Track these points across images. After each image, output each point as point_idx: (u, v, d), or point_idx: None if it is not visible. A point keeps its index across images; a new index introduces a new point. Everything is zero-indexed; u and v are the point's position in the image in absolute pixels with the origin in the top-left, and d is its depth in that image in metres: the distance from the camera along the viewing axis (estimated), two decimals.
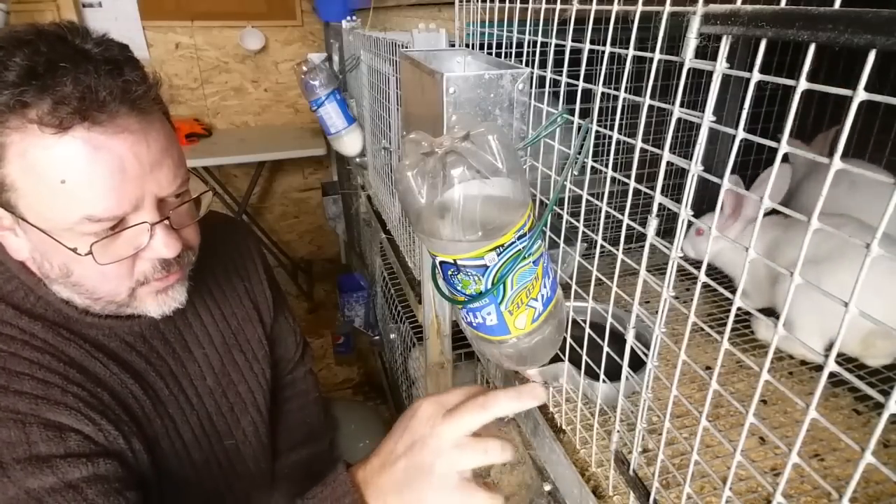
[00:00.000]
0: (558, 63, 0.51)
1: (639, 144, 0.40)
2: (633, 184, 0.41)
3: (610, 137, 0.43)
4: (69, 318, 0.61)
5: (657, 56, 0.36)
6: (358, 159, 1.49)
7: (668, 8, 0.34)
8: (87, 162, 0.51)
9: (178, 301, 0.64)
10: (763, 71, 0.29)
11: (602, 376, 0.50)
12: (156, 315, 0.63)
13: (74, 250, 0.54)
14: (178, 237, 0.59)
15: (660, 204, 0.38)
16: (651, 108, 0.38)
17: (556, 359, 0.57)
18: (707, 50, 0.33)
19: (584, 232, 0.50)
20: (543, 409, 0.65)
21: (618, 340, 0.47)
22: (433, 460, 0.49)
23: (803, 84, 0.27)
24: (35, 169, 0.51)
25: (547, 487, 0.66)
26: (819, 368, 0.59)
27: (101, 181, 0.52)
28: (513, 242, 0.46)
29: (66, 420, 0.56)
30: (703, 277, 0.36)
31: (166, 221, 0.57)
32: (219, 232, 0.83)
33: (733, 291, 0.33)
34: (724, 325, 0.34)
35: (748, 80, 0.29)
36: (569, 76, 0.49)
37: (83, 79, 0.49)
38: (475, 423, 0.50)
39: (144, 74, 0.55)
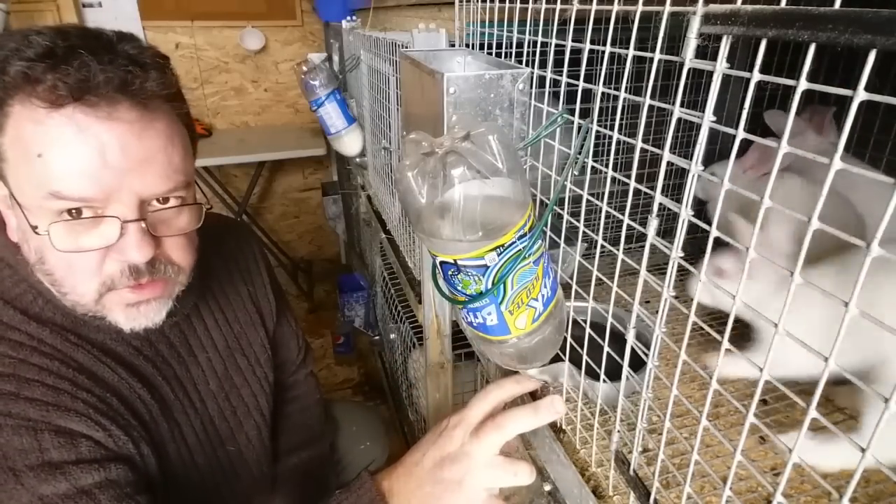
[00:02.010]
0: (558, 63, 0.51)
1: (639, 144, 0.40)
2: (633, 184, 0.41)
3: (610, 137, 0.43)
4: (76, 321, 0.61)
5: (657, 56, 0.36)
6: (358, 159, 1.49)
7: (668, 8, 0.34)
8: (67, 140, 0.50)
9: (151, 320, 0.60)
10: (763, 71, 0.29)
11: (602, 376, 0.50)
12: (125, 329, 0.59)
13: (35, 228, 0.52)
14: (152, 243, 0.55)
15: (660, 204, 0.38)
16: (651, 108, 0.38)
17: (556, 359, 0.57)
18: (707, 50, 0.33)
19: (584, 232, 0.50)
20: None
21: (618, 340, 0.47)
22: (463, 477, 0.53)
23: (803, 84, 0.27)
24: (21, 140, 0.51)
25: (547, 487, 0.66)
26: None
27: (77, 161, 0.51)
28: (513, 242, 0.46)
29: (76, 426, 0.56)
30: (703, 277, 0.36)
31: (142, 223, 0.54)
32: (221, 234, 0.83)
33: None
34: (725, 324, 0.34)
35: (748, 80, 0.29)
36: (569, 76, 0.49)
37: (90, 65, 0.50)
38: (500, 443, 0.54)
39: (165, 78, 0.54)
